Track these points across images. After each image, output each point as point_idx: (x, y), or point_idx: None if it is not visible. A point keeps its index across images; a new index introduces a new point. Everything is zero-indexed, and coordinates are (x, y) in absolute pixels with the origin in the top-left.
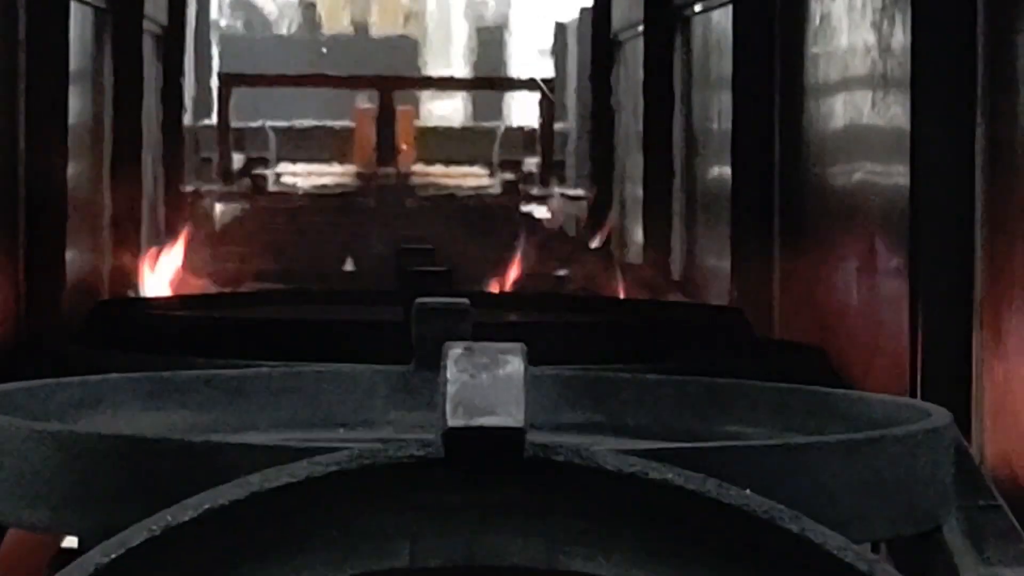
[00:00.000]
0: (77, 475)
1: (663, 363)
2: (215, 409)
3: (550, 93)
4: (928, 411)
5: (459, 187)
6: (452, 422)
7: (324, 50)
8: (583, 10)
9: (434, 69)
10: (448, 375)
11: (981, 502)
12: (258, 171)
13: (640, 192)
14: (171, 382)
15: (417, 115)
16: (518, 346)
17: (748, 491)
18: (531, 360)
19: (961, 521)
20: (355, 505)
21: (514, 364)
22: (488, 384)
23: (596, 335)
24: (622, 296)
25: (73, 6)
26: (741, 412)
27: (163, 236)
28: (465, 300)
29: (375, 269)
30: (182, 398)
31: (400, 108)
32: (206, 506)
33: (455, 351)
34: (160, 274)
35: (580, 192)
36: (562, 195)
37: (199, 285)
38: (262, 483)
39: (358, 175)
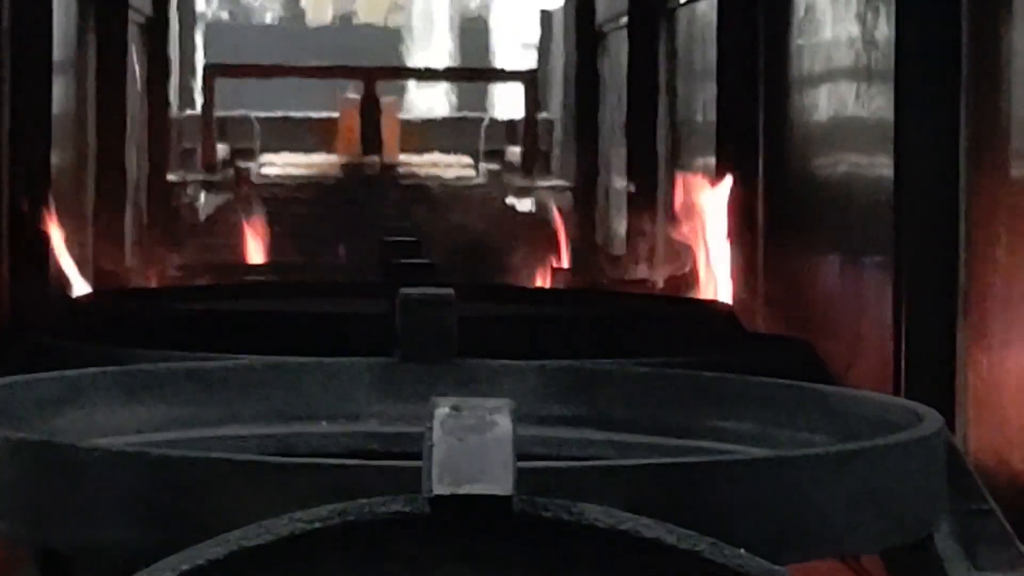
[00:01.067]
0: (53, 487)
1: (650, 356)
2: (196, 403)
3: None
4: (919, 414)
5: (443, 178)
6: (438, 489)
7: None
8: (567, 1)
9: (418, 60)
10: (434, 437)
11: (973, 507)
12: (242, 162)
13: (624, 183)
14: (151, 375)
15: (402, 106)
16: (506, 403)
17: (742, 551)
18: (517, 353)
19: (953, 526)
20: (338, 560)
21: (502, 425)
22: (475, 448)
23: (582, 328)
24: (607, 288)
25: None
26: (729, 407)
27: (147, 227)
28: (450, 291)
29: (359, 260)
30: (162, 392)
31: (384, 99)
32: (184, 567)
33: (442, 411)
34: (143, 266)
35: (564, 183)
36: (546, 186)
37: (181, 277)
38: (241, 541)
39: (342, 166)
